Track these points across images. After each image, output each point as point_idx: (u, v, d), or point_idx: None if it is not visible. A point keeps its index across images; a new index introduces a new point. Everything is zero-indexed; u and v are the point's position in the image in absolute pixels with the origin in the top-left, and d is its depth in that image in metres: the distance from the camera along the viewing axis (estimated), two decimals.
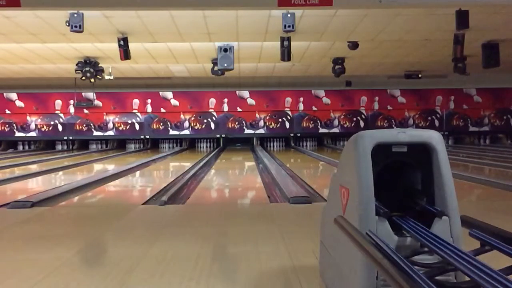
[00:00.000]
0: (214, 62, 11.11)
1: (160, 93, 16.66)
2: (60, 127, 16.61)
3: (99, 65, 11.77)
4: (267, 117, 16.82)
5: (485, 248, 1.53)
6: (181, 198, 5.68)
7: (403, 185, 1.95)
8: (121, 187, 7.10)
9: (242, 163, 11.69)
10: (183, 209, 5.00)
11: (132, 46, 9.35)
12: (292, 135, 16.88)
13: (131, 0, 6.84)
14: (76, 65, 11.66)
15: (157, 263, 2.85)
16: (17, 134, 16.60)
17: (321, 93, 16.87)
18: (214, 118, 16.78)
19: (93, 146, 17.14)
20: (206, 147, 16.95)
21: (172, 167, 10.77)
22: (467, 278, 1.37)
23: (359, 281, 1.65)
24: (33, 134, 16.65)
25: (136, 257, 2.98)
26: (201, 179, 7.70)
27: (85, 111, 16.45)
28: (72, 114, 16.60)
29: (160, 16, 7.96)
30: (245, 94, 16.82)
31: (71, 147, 16.99)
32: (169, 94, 16.72)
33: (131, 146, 17.12)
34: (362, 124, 16.90)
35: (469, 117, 16.98)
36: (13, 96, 16.56)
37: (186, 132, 16.79)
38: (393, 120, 16.93)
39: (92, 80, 11.82)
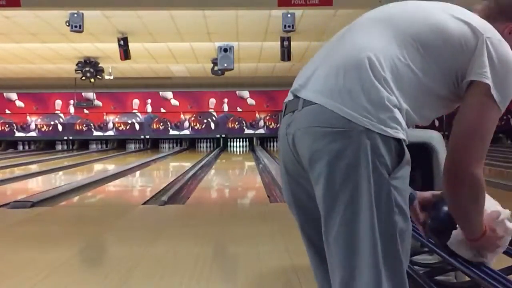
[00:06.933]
0: (214, 62, 11.09)
1: (160, 93, 16.65)
2: (60, 127, 16.60)
3: (99, 65, 11.77)
4: (267, 117, 16.82)
5: None
6: (181, 198, 5.67)
7: None
8: (121, 187, 7.10)
9: (242, 163, 11.69)
10: (183, 209, 5.00)
11: (132, 46, 9.34)
12: None
13: (131, 0, 6.84)
14: (76, 65, 11.66)
15: (157, 263, 2.85)
16: (17, 134, 16.60)
17: None
18: (214, 118, 16.77)
19: (93, 146, 17.12)
20: (206, 147, 16.94)
21: (172, 167, 10.76)
22: (467, 278, 1.37)
23: None
24: (33, 134, 16.65)
25: (136, 257, 2.98)
26: (201, 179, 7.70)
27: (85, 111, 16.44)
28: (72, 114, 16.59)
29: (160, 16, 7.95)
30: (245, 94, 16.81)
31: (71, 147, 16.98)
32: (169, 94, 16.71)
33: (131, 146, 17.10)
34: None
35: None
36: (13, 96, 16.55)
37: (186, 132, 16.79)
38: None
39: (92, 80, 11.82)
